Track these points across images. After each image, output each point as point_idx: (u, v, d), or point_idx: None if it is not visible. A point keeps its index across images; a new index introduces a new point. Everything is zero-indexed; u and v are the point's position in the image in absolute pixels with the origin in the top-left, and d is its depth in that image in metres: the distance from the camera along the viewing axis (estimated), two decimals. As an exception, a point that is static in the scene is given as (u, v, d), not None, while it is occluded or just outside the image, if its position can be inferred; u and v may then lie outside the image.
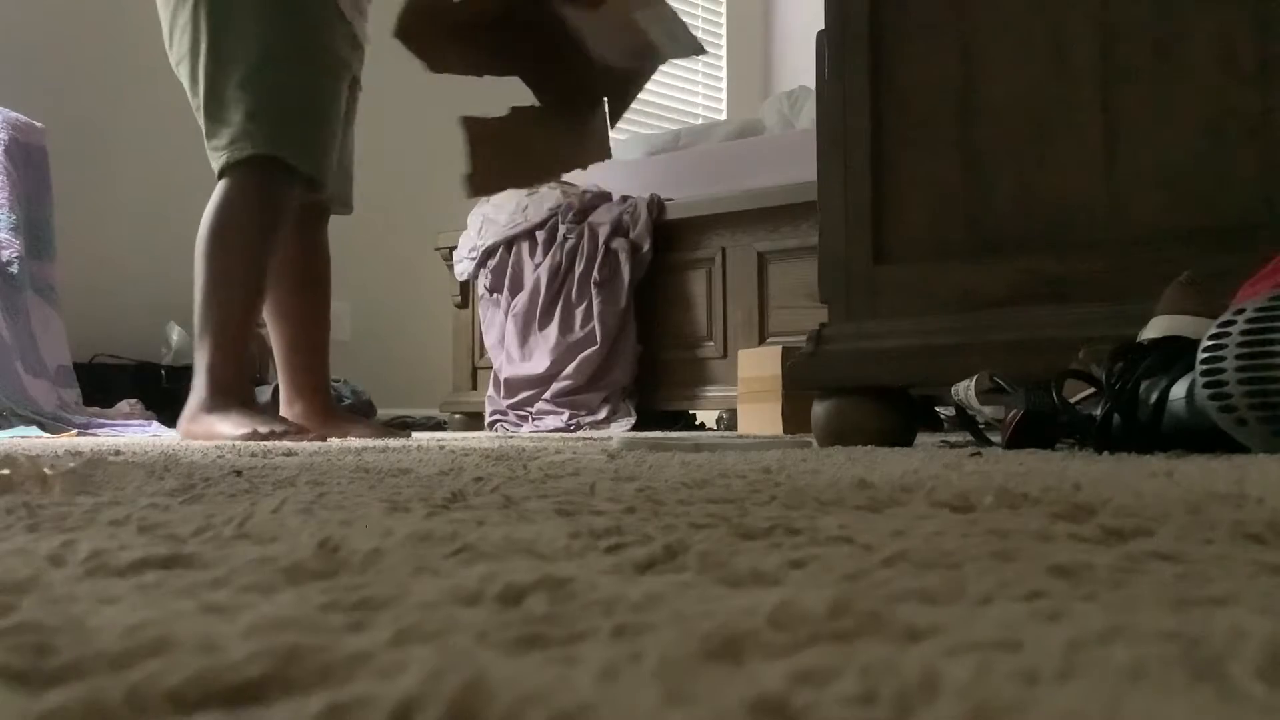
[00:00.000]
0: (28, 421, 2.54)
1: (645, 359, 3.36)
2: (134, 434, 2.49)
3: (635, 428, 3.19)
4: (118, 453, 1.29)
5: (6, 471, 0.75)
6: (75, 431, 2.48)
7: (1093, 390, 1.29)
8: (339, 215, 2.35)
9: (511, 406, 3.42)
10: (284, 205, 2.07)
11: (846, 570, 0.33)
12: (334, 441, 1.88)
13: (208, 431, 1.95)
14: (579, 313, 3.34)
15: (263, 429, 1.88)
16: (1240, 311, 1.06)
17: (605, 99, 1.83)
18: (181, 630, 0.24)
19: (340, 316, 4.02)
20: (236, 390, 2.00)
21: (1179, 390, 1.15)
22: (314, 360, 2.26)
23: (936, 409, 2.77)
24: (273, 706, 0.19)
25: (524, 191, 3.60)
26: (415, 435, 2.42)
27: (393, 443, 1.81)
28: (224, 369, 1.99)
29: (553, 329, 3.38)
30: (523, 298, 3.46)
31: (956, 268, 1.61)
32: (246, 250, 2.02)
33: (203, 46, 2.05)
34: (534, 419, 3.34)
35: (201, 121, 2.08)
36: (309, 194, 2.12)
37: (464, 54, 1.86)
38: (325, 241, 2.31)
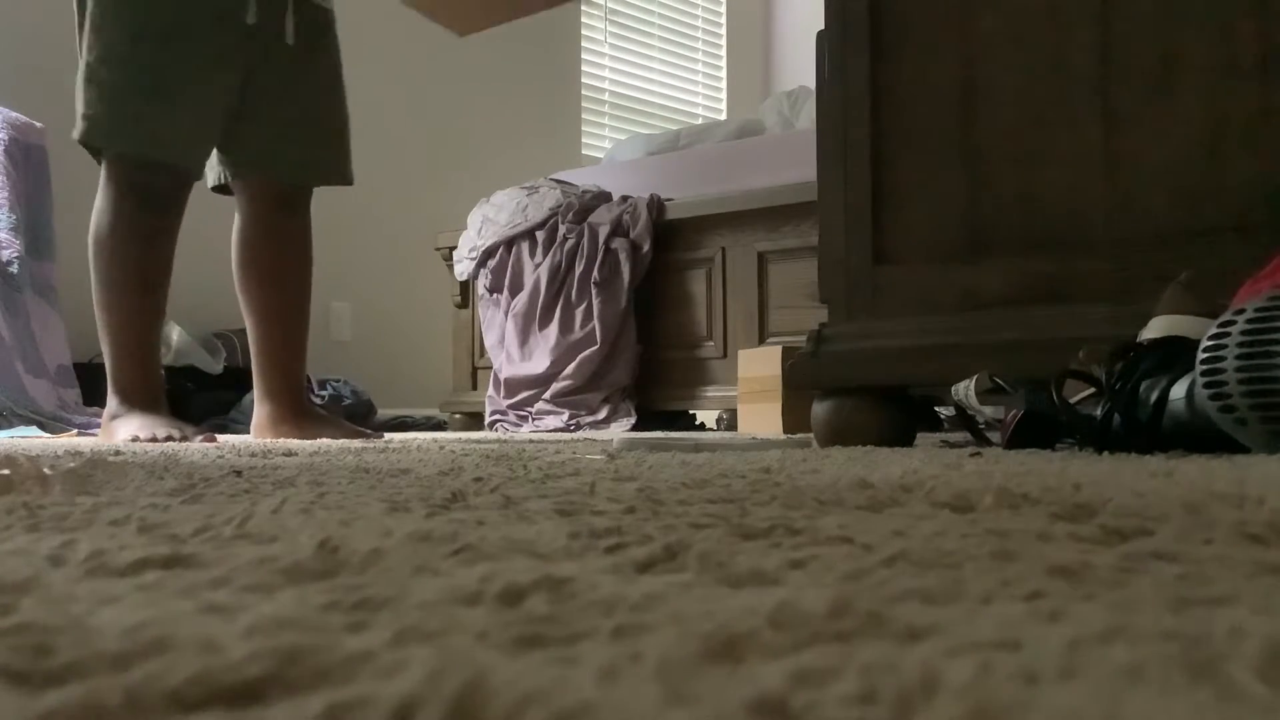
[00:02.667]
0: (28, 421, 2.54)
1: (645, 359, 3.36)
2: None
3: (635, 428, 3.19)
4: (118, 453, 1.29)
5: (6, 471, 0.75)
6: (75, 431, 2.48)
7: (1093, 390, 1.29)
8: (338, 188, 2.17)
9: (511, 406, 3.42)
10: (145, 196, 1.96)
11: (846, 570, 0.33)
12: (288, 443, 1.80)
13: (109, 441, 1.91)
14: (579, 313, 3.34)
15: (144, 434, 1.84)
16: (1240, 311, 1.06)
17: None
18: (181, 630, 0.24)
19: (340, 316, 4.03)
20: (139, 395, 1.97)
21: (1179, 390, 1.15)
22: (284, 358, 2.11)
23: (936, 409, 2.76)
24: (273, 706, 0.19)
25: (524, 191, 3.61)
26: (414, 436, 2.41)
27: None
28: (123, 375, 1.97)
29: (553, 329, 3.38)
30: (523, 298, 3.46)
31: (956, 268, 1.61)
32: (118, 251, 1.95)
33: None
34: (534, 419, 3.34)
35: None
36: (175, 178, 1.99)
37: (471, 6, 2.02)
38: (297, 227, 2.12)
